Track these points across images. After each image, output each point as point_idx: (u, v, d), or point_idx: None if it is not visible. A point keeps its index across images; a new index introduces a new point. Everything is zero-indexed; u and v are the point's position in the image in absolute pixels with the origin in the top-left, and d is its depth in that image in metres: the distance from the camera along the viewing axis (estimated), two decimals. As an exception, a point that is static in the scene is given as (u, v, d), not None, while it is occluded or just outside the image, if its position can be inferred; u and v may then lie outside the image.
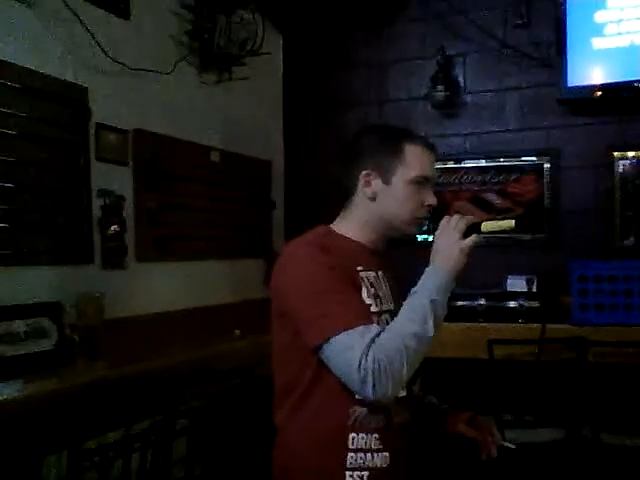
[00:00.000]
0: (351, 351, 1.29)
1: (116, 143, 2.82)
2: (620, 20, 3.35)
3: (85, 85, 2.66)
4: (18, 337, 2.28)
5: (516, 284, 3.43)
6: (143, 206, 2.97)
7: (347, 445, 1.41)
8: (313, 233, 1.52)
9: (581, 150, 3.58)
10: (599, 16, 3.40)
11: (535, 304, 3.24)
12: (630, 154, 3.48)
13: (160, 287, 3.08)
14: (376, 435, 1.43)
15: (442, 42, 3.73)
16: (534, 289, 3.40)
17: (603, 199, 3.52)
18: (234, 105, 3.63)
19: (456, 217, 1.46)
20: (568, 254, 3.43)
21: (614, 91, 3.36)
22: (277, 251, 2.51)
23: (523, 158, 3.70)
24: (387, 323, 1.42)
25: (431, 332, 1.34)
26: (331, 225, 1.58)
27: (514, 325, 3.16)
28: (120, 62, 2.80)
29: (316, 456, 1.43)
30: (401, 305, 1.41)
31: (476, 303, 3.28)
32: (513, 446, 1.62)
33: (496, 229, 1.47)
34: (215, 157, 3.47)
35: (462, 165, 3.81)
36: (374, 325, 1.36)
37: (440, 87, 3.71)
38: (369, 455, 1.42)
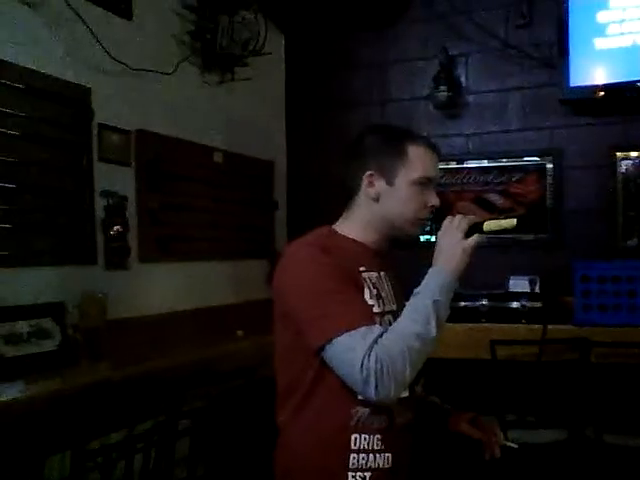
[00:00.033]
0: (353, 352, 1.29)
1: (118, 143, 2.82)
2: (622, 20, 3.35)
3: (88, 85, 2.67)
4: (21, 338, 2.28)
5: (519, 285, 3.42)
6: (146, 206, 2.97)
7: (349, 446, 1.41)
8: (315, 234, 1.52)
9: (584, 150, 3.57)
10: (601, 16, 3.39)
11: (538, 305, 3.24)
12: (633, 154, 3.48)
13: (163, 288, 3.08)
14: (378, 436, 1.42)
15: (444, 42, 3.73)
16: (537, 290, 3.39)
17: (606, 199, 3.52)
18: (236, 105, 3.63)
19: (458, 217, 1.46)
20: (571, 254, 3.43)
21: (616, 91, 3.35)
22: (280, 251, 2.51)
23: (525, 158, 3.70)
24: (390, 324, 1.42)
25: (434, 333, 1.33)
26: (333, 226, 1.58)
27: (517, 326, 3.16)
28: (122, 62, 2.80)
29: (318, 456, 1.43)
30: (404, 306, 1.41)
31: (479, 304, 3.28)
32: (516, 446, 1.62)
33: (498, 228, 1.47)
34: (218, 158, 3.47)
35: (464, 165, 3.81)
36: (376, 326, 1.36)
37: (442, 87, 3.71)
38: (371, 456, 1.42)
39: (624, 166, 3.49)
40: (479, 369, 2.99)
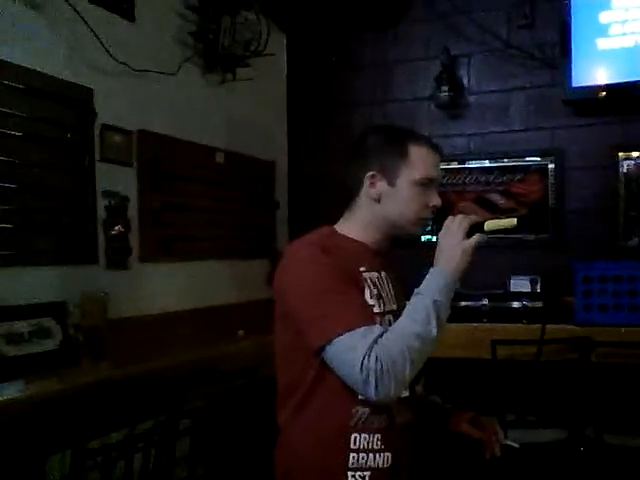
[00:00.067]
0: (354, 352, 1.29)
1: (120, 144, 2.82)
2: (625, 20, 3.35)
3: (90, 86, 2.67)
4: (22, 337, 2.28)
5: (520, 284, 3.42)
6: (147, 207, 2.97)
7: (349, 445, 1.41)
8: (316, 234, 1.52)
9: (585, 150, 3.57)
10: (604, 17, 3.39)
11: (539, 304, 3.23)
12: (634, 154, 3.47)
13: (164, 287, 3.09)
14: (378, 435, 1.43)
15: (446, 43, 3.73)
16: (538, 289, 3.39)
17: (607, 199, 3.51)
18: (238, 105, 3.64)
19: (459, 217, 1.46)
20: (572, 254, 3.43)
21: (619, 91, 3.35)
22: (281, 251, 2.51)
23: (527, 158, 3.69)
24: (390, 324, 1.42)
25: (434, 333, 1.34)
26: (334, 226, 1.58)
27: (518, 325, 3.16)
28: (124, 63, 2.80)
29: (319, 456, 1.43)
30: (404, 306, 1.41)
31: (480, 303, 3.28)
32: (517, 445, 1.62)
33: (499, 228, 1.47)
34: (220, 158, 3.48)
35: (466, 166, 3.81)
36: (377, 326, 1.36)
37: (444, 88, 3.71)
38: (371, 455, 1.42)
39: (626, 166, 3.49)
40: (480, 369, 2.99)
